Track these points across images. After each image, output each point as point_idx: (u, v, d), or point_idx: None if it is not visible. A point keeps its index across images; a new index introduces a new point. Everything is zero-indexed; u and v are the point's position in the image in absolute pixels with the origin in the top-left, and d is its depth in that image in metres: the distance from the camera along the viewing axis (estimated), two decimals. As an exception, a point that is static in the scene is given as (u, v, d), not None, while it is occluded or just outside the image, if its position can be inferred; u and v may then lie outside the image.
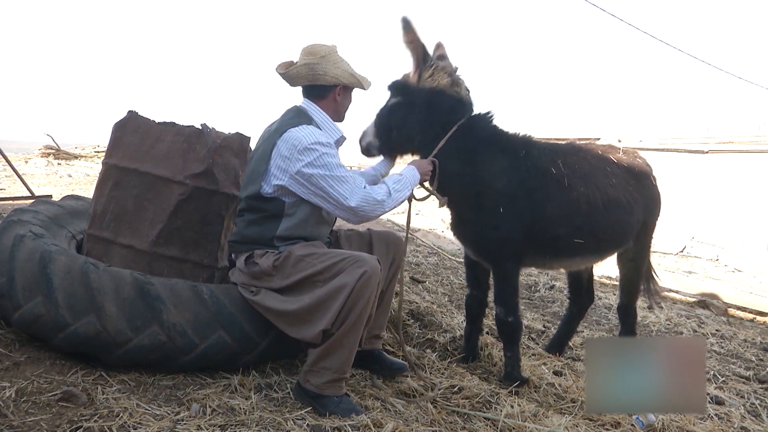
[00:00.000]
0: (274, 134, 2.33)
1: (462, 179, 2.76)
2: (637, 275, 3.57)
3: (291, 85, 2.48)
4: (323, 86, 2.43)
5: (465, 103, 2.85)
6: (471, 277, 3.16)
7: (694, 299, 6.49)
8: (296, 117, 2.39)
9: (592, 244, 2.98)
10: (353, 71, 2.46)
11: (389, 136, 2.85)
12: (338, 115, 2.52)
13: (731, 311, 6.26)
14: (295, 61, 2.44)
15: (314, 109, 2.44)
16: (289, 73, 2.44)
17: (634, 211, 3.15)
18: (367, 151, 2.92)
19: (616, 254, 3.47)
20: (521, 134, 2.96)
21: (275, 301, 2.27)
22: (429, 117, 2.78)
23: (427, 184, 2.78)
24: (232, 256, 2.48)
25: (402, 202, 2.51)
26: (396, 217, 8.82)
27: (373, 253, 2.55)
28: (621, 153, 3.34)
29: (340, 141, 2.52)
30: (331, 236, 2.66)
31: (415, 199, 2.73)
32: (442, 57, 2.86)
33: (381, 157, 2.95)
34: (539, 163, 2.86)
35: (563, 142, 3.36)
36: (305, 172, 2.24)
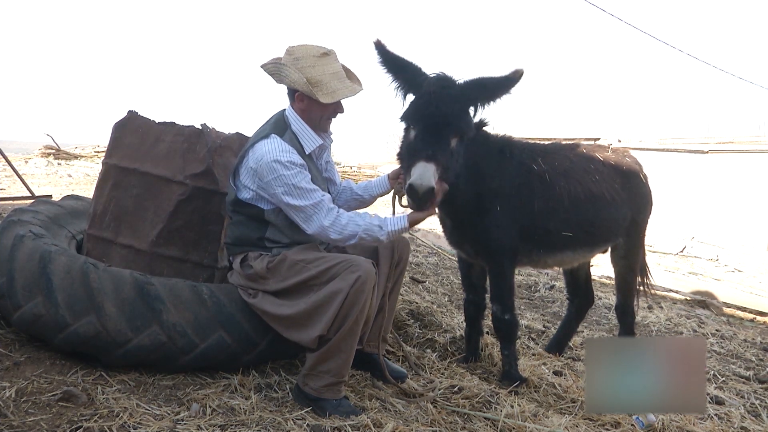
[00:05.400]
0: (250, 143, 2.35)
1: (461, 184, 2.75)
2: (632, 274, 3.60)
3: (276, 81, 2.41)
4: (289, 89, 2.38)
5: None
6: (467, 283, 3.18)
7: (694, 299, 6.48)
8: (273, 125, 2.37)
9: (580, 237, 3.06)
10: (320, 79, 2.27)
11: (448, 182, 2.45)
12: (312, 123, 2.39)
13: (731, 311, 6.26)
14: (278, 59, 2.37)
15: (293, 117, 2.39)
16: (264, 68, 2.37)
17: (618, 206, 3.22)
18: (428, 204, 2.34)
19: (609, 252, 3.53)
20: (501, 134, 3.00)
21: (272, 305, 2.28)
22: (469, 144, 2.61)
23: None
24: (230, 258, 2.48)
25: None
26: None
27: (379, 254, 2.54)
28: (609, 152, 3.40)
29: (320, 149, 2.46)
30: None
31: (402, 206, 2.67)
32: None
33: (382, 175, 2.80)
34: (522, 161, 2.93)
35: (546, 142, 3.44)
36: (268, 189, 2.26)
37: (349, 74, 2.42)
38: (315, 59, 2.30)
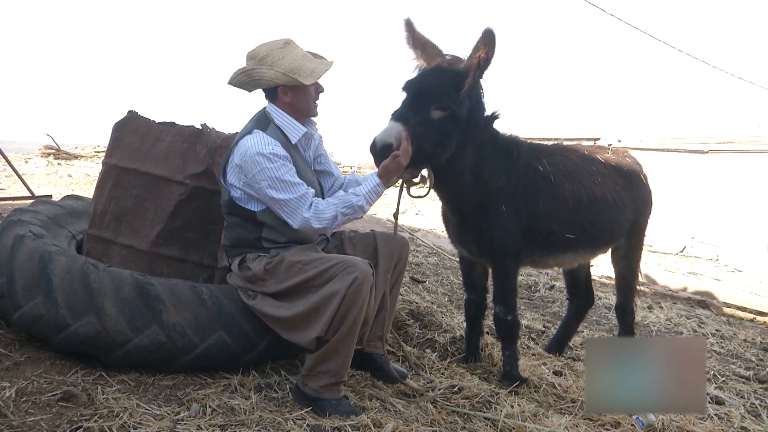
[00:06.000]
0: (234, 141, 2.35)
1: (468, 180, 2.75)
2: (632, 274, 3.61)
3: (247, 91, 2.41)
4: (268, 90, 2.38)
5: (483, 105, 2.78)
6: (468, 282, 3.18)
7: (694, 299, 6.48)
8: (256, 122, 2.38)
9: (582, 239, 3.05)
10: (295, 65, 2.28)
11: (423, 151, 2.47)
12: (300, 113, 2.41)
13: (731, 311, 6.26)
14: (242, 67, 2.36)
15: (275, 111, 2.40)
16: (232, 82, 2.36)
17: (620, 208, 3.21)
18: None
19: (609, 252, 3.53)
20: (509, 134, 2.99)
21: (271, 307, 2.28)
22: (467, 126, 2.65)
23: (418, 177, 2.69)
24: (228, 260, 2.48)
25: (353, 220, 2.38)
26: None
27: (378, 255, 2.54)
28: (610, 153, 3.40)
29: (305, 138, 2.46)
30: (333, 238, 2.65)
31: (411, 196, 2.70)
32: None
33: None
34: (528, 161, 2.93)
35: (549, 143, 3.43)
36: (253, 185, 2.26)
37: (314, 54, 2.43)
38: (281, 51, 2.31)
